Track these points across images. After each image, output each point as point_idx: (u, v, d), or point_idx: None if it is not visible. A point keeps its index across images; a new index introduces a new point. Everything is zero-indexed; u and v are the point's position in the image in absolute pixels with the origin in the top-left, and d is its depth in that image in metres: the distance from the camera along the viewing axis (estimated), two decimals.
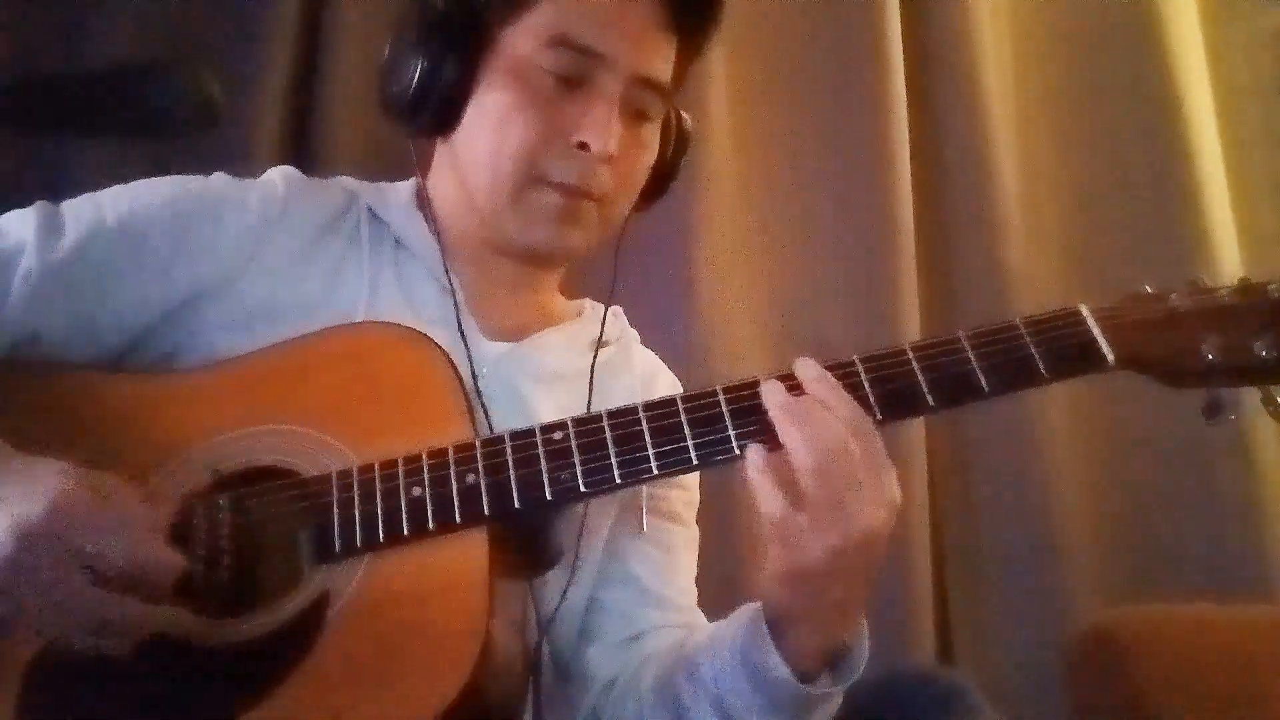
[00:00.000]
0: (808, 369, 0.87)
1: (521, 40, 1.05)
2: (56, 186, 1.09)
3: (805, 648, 0.88)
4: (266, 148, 1.56)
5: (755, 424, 0.87)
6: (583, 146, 1.03)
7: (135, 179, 1.07)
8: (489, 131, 1.05)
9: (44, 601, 0.77)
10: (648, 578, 1.10)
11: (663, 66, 1.08)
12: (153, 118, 0.89)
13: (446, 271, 1.08)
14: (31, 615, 0.78)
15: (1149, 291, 0.91)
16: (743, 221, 1.82)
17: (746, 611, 0.93)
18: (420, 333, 0.97)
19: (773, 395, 0.86)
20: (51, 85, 0.91)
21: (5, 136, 1.33)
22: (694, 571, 1.16)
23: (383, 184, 1.17)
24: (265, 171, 1.14)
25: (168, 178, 1.07)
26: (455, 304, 1.07)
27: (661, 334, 1.29)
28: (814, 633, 0.88)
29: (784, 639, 0.88)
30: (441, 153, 1.13)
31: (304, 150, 1.60)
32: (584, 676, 1.07)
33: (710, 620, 1.11)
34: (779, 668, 0.87)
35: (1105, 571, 1.82)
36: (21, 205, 1.03)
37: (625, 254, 1.18)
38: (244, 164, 1.45)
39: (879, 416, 0.87)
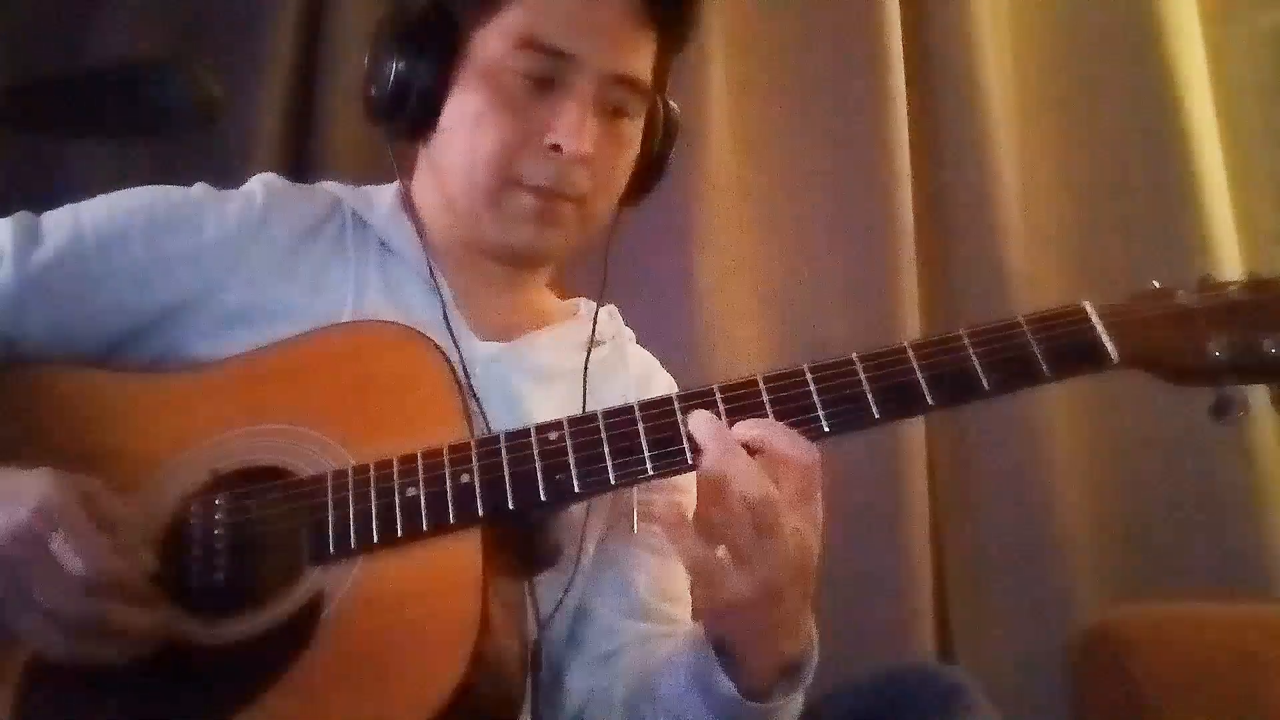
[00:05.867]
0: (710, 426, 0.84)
1: (492, 42, 1.04)
2: (56, 186, 1.09)
3: (754, 665, 0.87)
4: (266, 148, 1.56)
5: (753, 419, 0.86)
6: (556, 149, 1.03)
7: (135, 179, 1.08)
8: (463, 135, 1.05)
9: (27, 603, 0.78)
10: (641, 587, 1.09)
11: (639, 63, 1.07)
12: (152, 117, 0.89)
13: (432, 273, 1.08)
14: (17, 617, 0.78)
15: (1155, 287, 0.89)
16: (743, 221, 1.82)
17: (695, 630, 0.92)
18: (418, 332, 0.97)
19: (703, 428, 0.83)
20: (51, 85, 0.91)
21: (5, 136, 1.33)
22: (688, 577, 1.15)
23: (367, 188, 1.17)
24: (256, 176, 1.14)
25: (148, 187, 1.07)
26: (443, 304, 1.07)
27: (661, 334, 1.29)
28: (759, 653, 0.87)
29: (732, 658, 0.87)
30: (423, 156, 1.13)
31: (304, 150, 1.60)
32: (567, 693, 1.07)
33: None
34: (728, 688, 0.86)
35: (1106, 571, 1.81)
36: (22, 205, 1.04)
37: (625, 254, 1.18)
38: (243, 164, 1.46)
39: (877, 415, 0.86)
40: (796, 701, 0.90)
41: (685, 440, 0.86)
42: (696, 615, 0.88)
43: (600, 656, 1.07)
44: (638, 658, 1.05)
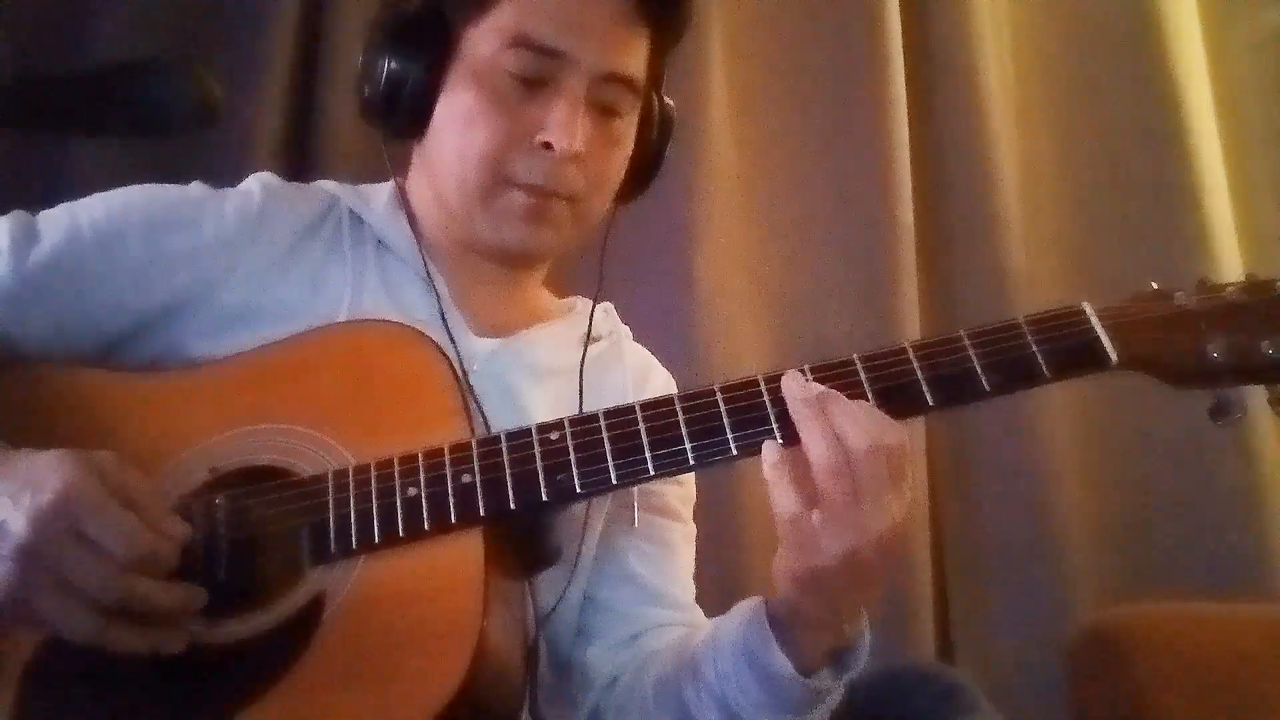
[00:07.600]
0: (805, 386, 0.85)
1: (484, 41, 1.04)
2: (56, 186, 1.09)
3: (810, 644, 0.87)
4: (266, 147, 1.56)
5: (754, 424, 0.86)
6: (546, 147, 1.03)
7: (135, 178, 1.08)
8: (455, 134, 1.06)
9: (59, 585, 0.77)
10: (647, 575, 1.10)
11: (631, 61, 1.07)
12: (152, 116, 0.88)
13: (428, 270, 1.09)
14: (49, 601, 0.78)
15: (1154, 289, 0.89)
16: (743, 221, 1.82)
17: (747, 607, 0.92)
18: (418, 331, 0.97)
19: (793, 388, 0.85)
20: (51, 85, 0.90)
21: (5, 136, 1.33)
22: (692, 567, 1.16)
23: (363, 186, 1.17)
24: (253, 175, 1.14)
25: (144, 186, 1.07)
26: (439, 301, 1.07)
27: (661, 333, 1.29)
28: (821, 630, 0.87)
29: (789, 635, 0.87)
30: (417, 154, 1.14)
31: (304, 149, 1.60)
32: (585, 675, 1.07)
33: (710, 618, 1.11)
34: (783, 665, 0.86)
35: (1105, 571, 1.81)
36: (22, 205, 1.04)
37: (625, 253, 1.18)
38: (243, 163, 1.46)
39: None
40: (839, 692, 0.90)
41: (685, 440, 0.86)
42: (776, 580, 0.87)
43: (623, 640, 1.07)
44: (661, 641, 1.06)
